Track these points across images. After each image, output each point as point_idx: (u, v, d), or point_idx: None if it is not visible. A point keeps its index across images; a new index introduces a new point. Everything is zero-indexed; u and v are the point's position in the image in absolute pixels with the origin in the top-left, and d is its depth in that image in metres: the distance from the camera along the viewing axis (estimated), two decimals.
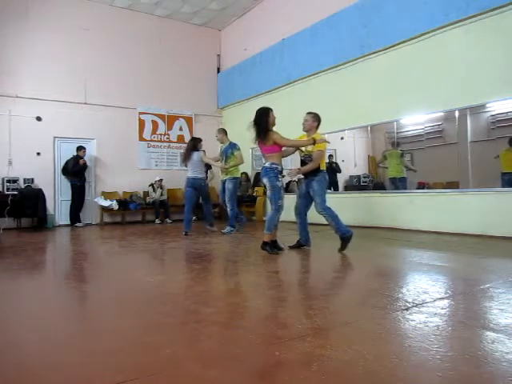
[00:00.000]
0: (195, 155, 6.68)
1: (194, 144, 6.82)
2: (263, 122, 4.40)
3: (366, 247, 5.18)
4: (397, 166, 7.62)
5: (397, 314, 2.24)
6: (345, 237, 4.48)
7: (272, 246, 4.46)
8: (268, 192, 4.47)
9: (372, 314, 2.28)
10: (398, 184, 7.48)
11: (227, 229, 6.71)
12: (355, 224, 7.39)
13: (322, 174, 4.55)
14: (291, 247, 4.74)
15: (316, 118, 4.63)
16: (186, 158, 6.72)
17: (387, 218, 6.96)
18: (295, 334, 1.92)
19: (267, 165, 4.43)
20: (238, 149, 6.71)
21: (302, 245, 4.71)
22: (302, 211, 4.70)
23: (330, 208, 4.55)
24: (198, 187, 6.73)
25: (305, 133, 4.70)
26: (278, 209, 4.40)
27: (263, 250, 4.45)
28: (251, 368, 1.62)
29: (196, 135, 10.95)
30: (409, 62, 6.78)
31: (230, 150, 6.67)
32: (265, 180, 4.45)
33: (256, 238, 6.60)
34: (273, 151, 4.42)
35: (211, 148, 9.03)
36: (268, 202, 4.88)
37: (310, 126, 4.61)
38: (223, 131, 7.01)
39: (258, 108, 4.55)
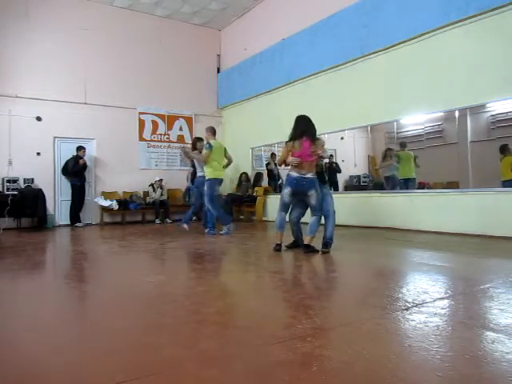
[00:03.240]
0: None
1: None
2: (314, 128, 4.47)
3: (366, 247, 5.18)
4: (410, 167, 7.61)
5: (397, 313, 2.24)
6: (329, 243, 4.50)
7: (309, 246, 4.47)
8: (313, 201, 4.41)
9: (372, 314, 2.28)
10: (409, 185, 7.45)
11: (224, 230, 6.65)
12: (355, 224, 7.41)
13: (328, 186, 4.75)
14: (288, 247, 4.75)
15: None
16: None
17: (387, 218, 6.96)
18: (295, 334, 1.92)
19: (310, 176, 4.38)
20: (205, 148, 6.50)
21: (298, 245, 4.71)
22: (297, 221, 4.74)
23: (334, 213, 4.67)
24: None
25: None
26: (321, 214, 4.54)
27: (308, 252, 4.39)
28: (251, 368, 1.62)
29: (196, 135, 11.05)
30: (409, 61, 6.78)
31: None
32: (312, 191, 4.38)
33: (256, 238, 6.61)
34: (315, 160, 4.45)
35: None
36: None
37: None
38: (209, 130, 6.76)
39: (300, 115, 4.55)
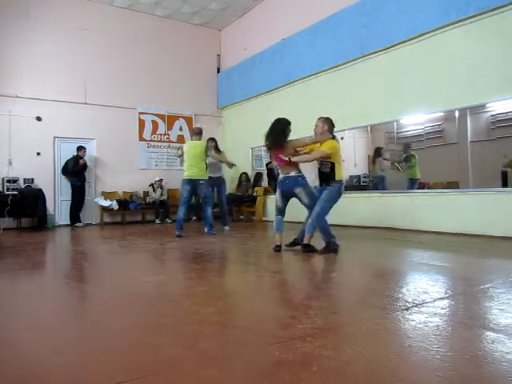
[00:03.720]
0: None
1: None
2: (285, 132, 4.45)
3: (366, 247, 5.18)
4: (416, 167, 7.62)
5: (397, 313, 2.24)
6: (331, 243, 4.39)
7: (308, 246, 4.46)
8: (304, 199, 4.38)
9: (372, 314, 2.28)
10: (415, 184, 7.44)
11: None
12: (355, 224, 7.41)
13: (337, 185, 4.39)
14: (288, 246, 4.74)
15: (327, 122, 4.49)
16: None
17: (387, 218, 6.96)
18: (295, 334, 1.92)
19: (293, 174, 4.37)
20: None
21: (298, 244, 4.71)
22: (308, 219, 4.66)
23: (326, 221, 4.39)
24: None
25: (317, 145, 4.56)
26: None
27: (307, 252, 4.37)
28: (251, 368, 1.62)
29: None
30: (409, 62, 6.78)
31: None
32: (298, 189, 4.35)
33: (256, 238, 6.61)
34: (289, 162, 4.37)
35: None
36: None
37: (321, 129, 4.47)
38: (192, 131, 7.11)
39: (276, 118, 4.56)
